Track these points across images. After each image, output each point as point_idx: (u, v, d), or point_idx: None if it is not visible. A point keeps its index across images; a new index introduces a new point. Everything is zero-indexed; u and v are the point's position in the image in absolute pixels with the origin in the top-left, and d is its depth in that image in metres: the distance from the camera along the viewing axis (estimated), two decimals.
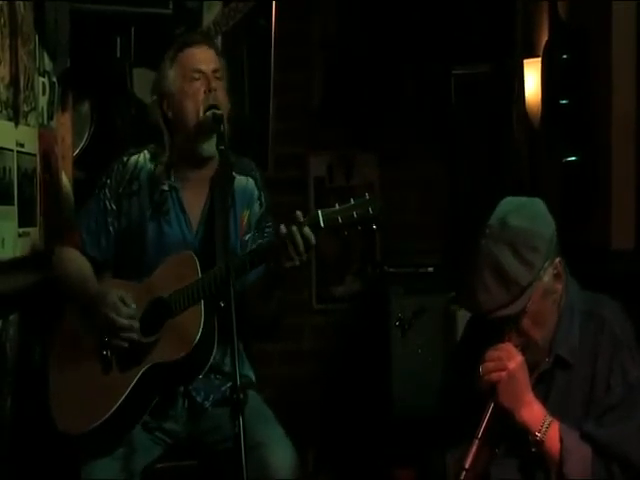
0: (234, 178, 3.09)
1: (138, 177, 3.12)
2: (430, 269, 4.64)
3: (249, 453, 2.50)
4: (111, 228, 3.12)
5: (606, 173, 3.96)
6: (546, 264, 2.42)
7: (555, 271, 2.44)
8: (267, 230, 3.12)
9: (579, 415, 2.45)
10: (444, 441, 2.58)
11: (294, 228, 2.76)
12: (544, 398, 2.47)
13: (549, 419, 2.42)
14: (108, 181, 3.14)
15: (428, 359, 4.43)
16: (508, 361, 2.42)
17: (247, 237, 3.11)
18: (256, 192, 3.13)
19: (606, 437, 2.40)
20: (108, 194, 3.12)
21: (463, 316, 4.06)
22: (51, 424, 2.96)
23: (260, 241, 3.08)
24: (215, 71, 3.05)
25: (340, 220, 2.76)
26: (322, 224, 2.77)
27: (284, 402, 4.44)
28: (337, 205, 2.78)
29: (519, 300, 2.40)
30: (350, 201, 2.78)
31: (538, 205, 2.50)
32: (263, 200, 3.14)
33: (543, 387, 2.49)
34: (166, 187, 3.09)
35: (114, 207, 3.11)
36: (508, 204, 2.49)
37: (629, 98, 3.93)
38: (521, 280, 2.40)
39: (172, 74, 3.07)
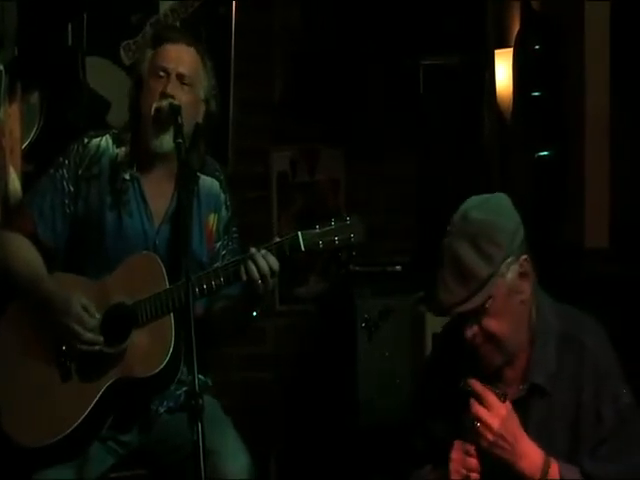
0: (199, 178, 3.02)
1: (99, 161, 3.00)
2: (398, 268, 4.57)
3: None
4: (67, 211, 2.98)
5: (580, 169, 3.99)
6: (509, 260, 2.32)
7: (521, 269, 2.34)
8: (235, 235, 3.08)
9: (560, 446, 2.36)
10: (412, 465, 2.53)
11: (258, 256, 2.78)
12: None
13: (548, 463, 2.34)
14: (66, 161, 3.01)
15: (396, 362, 4.35)
16: (492, 420, 2.32)
17: (218, 245, 3.05)
18: (222, 195, 3.07)
19: (606, 477, 2.32)
20: (66, 174, 2.99)
21: (432, 317, 4.04)
22: None
23: (230, 247, 3.05)
24: (180, 76, 2.94)
25: (321, 245, 2.79)
26: (303, 248, 2.79)
27: (245, 408, 4.38)
28: (317, 227, 2.79)
29: (477, 295, 2.30)
30: (331, 223, 2.78)
31: (502, 199, 2.43)
32: (229, 204, 3.08)
33: (518, 416, 2.37)
34: (127, 176, 2.99)
35: (72, 189, 2.99)
36: (471, 201, 2.43)
37: (603, 90, 3.96)
38: (478, 273, 2.29)
39: (147, 62, 2.99)
